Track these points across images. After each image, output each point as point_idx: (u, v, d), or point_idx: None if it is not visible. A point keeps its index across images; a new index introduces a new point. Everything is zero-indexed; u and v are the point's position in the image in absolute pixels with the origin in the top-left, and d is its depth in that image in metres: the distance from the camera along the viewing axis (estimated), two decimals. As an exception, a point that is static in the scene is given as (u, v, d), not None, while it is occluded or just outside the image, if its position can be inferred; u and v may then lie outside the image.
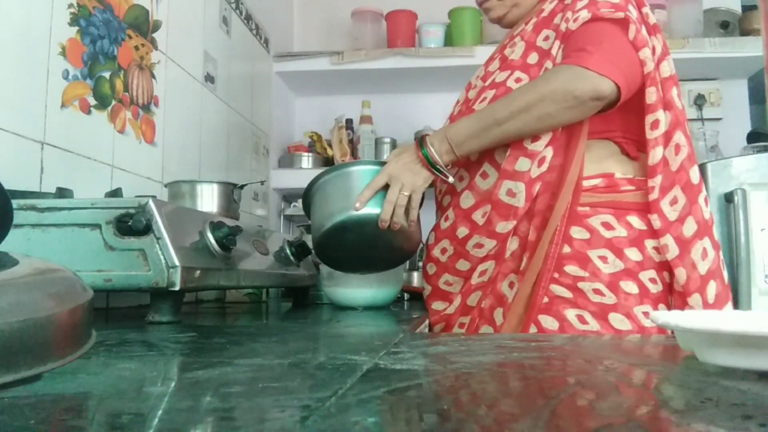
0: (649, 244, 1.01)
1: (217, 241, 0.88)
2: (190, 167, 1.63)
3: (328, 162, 2.36)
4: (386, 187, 1.03)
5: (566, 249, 1.00)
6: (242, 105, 2.04)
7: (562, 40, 1.04)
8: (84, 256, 0.77)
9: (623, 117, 1.04)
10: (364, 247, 1.08)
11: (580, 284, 0.99)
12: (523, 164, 1.02)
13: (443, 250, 1.13)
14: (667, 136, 1.02)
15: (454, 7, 2.43)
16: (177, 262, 0.76)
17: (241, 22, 2.04)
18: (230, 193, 1.19)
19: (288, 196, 2.46)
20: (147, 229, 0.76)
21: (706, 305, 0.99)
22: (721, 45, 2.25)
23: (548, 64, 1.05)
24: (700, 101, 2.43)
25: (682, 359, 0.50)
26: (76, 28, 1.14)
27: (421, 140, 1.05)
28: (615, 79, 0.95)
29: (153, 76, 1.43)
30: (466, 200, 1.09)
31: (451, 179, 1.05)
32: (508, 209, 1.03)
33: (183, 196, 1.16)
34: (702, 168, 1.83)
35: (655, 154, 1.01)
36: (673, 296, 1.01)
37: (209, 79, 1.76)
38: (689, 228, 1.00)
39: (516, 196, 1.02)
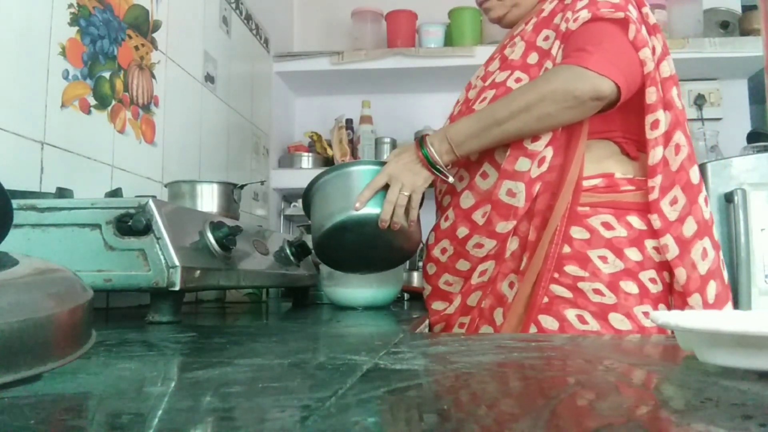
0: (649, 244, 1.01)
1: (217, 241, 0.88)
2: (190, 167, 1.63)
3: (328, 162, 2.36)
4: (386, 187, 1.03)
5: (566, 249, 1.00)
6: (242, 105, 2.04)
7: (562, 40, 1.04)
8: (84, 256, 0.77)
9: (623, 117, 1.04)
10: (364, 247, 1.08)
11: (580, 284, 0.99)
12: (523, 164, 1.02)
13: (443, 250, 1.13)
14: (667, 136, 1.02)
15: (454, 7, 2.43)
16: (177, 262, 0.76)
17: (241, 22, 2.04)
18: (230, 193, 1.19)
19: (288, 196, 2.46)
20: (147, 229, 0.76)
21: (706, 305, 0.99)
22: (721, 45, 2.25)
23: (548, 64, 1.05)
24: (700, 101, 2.43)
25: (682, 359, 0.50)
26: (76, 28, 1.14)
27: (421, 140, 1.05)
28: (615, 79, 0.95)
29: (153, 76, 1.43)
30: (466, 200, 1.09)
31: (451, 179, 1.05)
32: (508, 209, 1.03)
33: (183, 196, 1.16)
34: (702, 168, 1.83)
35: (655, 154, 1.01)
36: (673, 296, 1.01)
37: (209, 79, 1.76)
38: (689, 228, 1.00)
39: (516, 196, 1.02)
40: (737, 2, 2.48)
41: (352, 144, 2.43)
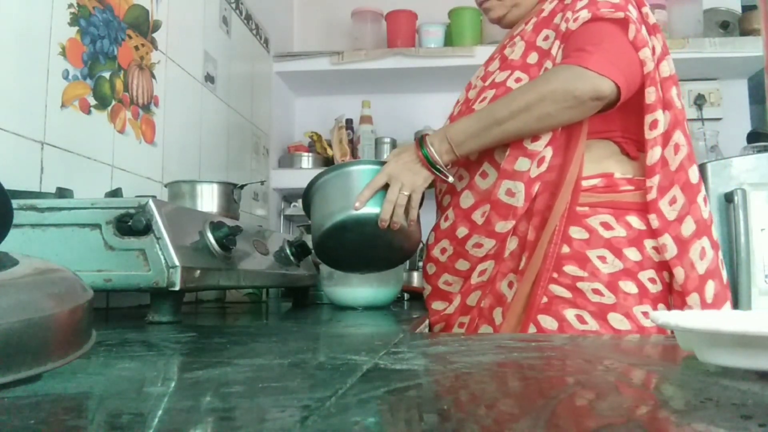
0: (649, 244, 1.01)
1: (217, 241, 0.88)
2: (190, 167, 1.63)
3: (328, 162, 2.36)
4: (386, 187, 1.03)
5: (565, 249, 1.00)
6: (242, 105, 2.04)
7: (562, 40, 1.04)
8: (84, 256, 0.77)
9: (623, 117, 1.04)
10: (364, 246, 1.08)
11: (579, 284, 0.99)
12: (522, 164, 1.02)
13: (443, 250, 1.13)
14: (666, 136, 1.02)
15: (454, 7, 2.43)
16: (177, 262, 0.76)
17: (241, 22, 2.04)
18: (230, 193, 1.19)
19: (288, 196, 2.46)
20: (147, 229, 0.76)
21: (704, 305, 0.99)
22: (721, 45, 2.25)
23: (548, 64, 1.05)
24: (700, 101, 2.43)
25: (682, 359, 0.50)
26: (76, 28, 1.14)
27: (420, 140, 1.05)
28: (615, 79, 0.95)
29: (153, 76, 1.43)
30: (466, 200, 1.09)
31: (450, 179, 1.05)
32: (507, 209, 1.03)
33: (183, 196, 1.16)
34: (702, 168, 1.83)
35: (654, 154, 1.01)
36: (673, 296, 1.01)
37: (209, 79, 1.76)
38: (688, 227, 1.00)
39: (515, 196, 1.02)
40: (737, 2, 2.48)
41: (352, 144, 2.43)
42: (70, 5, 1.12)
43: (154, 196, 0.81)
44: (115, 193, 0.99)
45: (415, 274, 1.74)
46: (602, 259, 0.99)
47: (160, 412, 0.33)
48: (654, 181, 1.00)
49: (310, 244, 1.16)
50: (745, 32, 2.34)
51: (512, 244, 1.05)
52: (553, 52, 1.05)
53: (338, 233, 1.04)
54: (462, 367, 0.46)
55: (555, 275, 1.00)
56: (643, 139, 1.02)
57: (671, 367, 0.48)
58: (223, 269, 0.89)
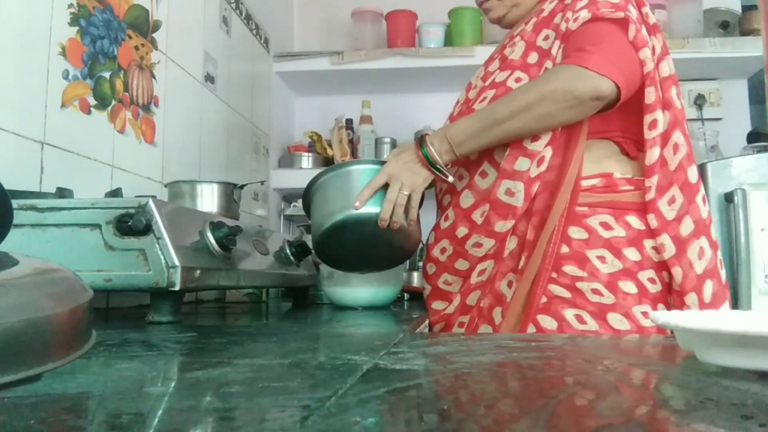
0: (648, 244, 1.01)
1: (217, 241, 0.88)
2: (190, 167, 1.63)
3: (328, 162, 2.36)
4: (386, 187, 1.03)
5: (564, 249, 1.00)
6: (242, 105, 2.04)
7: (562, 40, 1.04)
8: (84, 256, 0.77)
9: (623, 117, 1.04)
10: (364, 246, 1.08)
11: (579, 284, 0.99)
12: (522, 164, 1.02)
13: (443, 250, 1.13)
14: (666, 136, 1.02)
15: (454, 7, 2.43)
16: (177, 262, 0.76)
17: (241, 22, 2.04)
18: (230, 193, 1.19)
19: (288, 196, 2.46)
20: (147, 229, 0.76)
21: (702, 304, 0.99)
22: (721, 45, 2.25)
23: (548, 63, 1.05)
24: (700, 101, 2.43)
25: (682, 359, 0.50)
26: (76, 28, 1.14)
27: (420, 140, 1.05)
28: (615, 79, 0.95)
29: (153, 76, 1.43)
30: (466, 199, 1.09)
31: (450, 179, 1.05)
32: (507, 209, 1.03)
33: (183, 196, 1.16)
34: (702, 168, 1.83)
35: (653, 154, 1.01)
36: (672, 296, 1.01)
37: (209, 79, 1.76)
38: (686, 227, 1.00)
39: (514, 196, 1.02)
40: (737, 2, 2.48)
41: (352, 144, 2.43)
42: (70, 5, 1.12)
43: (154, 196, 0.81)
44: (115, 193, 0.99)
45: (415, 274, 1.74)
46: (601, 259, 0.99)
47: (160, 412, 0.33)
48: (653, 181, 1.00)
49: (310, 244, 1.16)
50: (745, 32, 2.34)
51: (512, 243, 1.05)
52: (553, 52, 1.05)
53: (338, 233, 1.04)
54: (462, 367, 0.46)
55: (554, 275, 1.00)
56: (643, 139, 1.02)
57: (671, 367, 0.48)
58: (223, 269, 0.89)
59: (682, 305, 0.99)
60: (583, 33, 1.00)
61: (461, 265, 1.11)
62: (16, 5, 1.00)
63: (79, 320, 0.40)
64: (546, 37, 1.08)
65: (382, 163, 1.06)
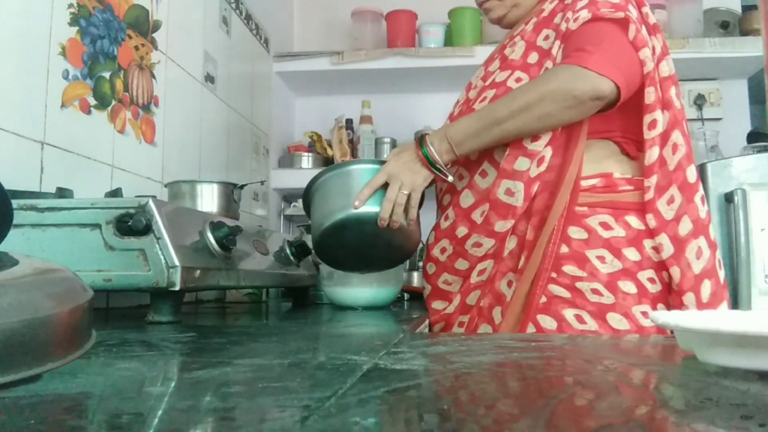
0: (648, 244, 1.01)
1: (217, 241, 0.88)
2: (190, 167, 1.63)
3: (328, 162, 2.36)
4: (386, 186, 1.03)
5: (564, 249, 1.00)
6: (242, 105, 2.04)
7: (562, 40, 1.04)
8: (84, 256, 0.77)
9: (623, 117, 1.04)
10: (364, 245, 1.08)
11: (578, 284, 0.99)
12: (522, 164, 1.02)
13: (443, 250, 1.13)
14: (665, 136, 1.02)
15: (454, 7, 2.43)
16: (177, 262, 0.76)
17: (241, 22, 2.04)
18: (230, 193, 1.19)
19: (288, 196, 2.46)
20: (147, 229, 0.76)
21: (699, 304, 0.99)
22: (721, 45, 2.25)
23: (548, 63, 1.05)
24: (700, 101, 2.43)
25: (682, 359, 0.50)
26: (76, 28, 1.14)
27: (420, 139, 1.05)
28: (615, 79, 0.95)
29: (153, 76, 1.43)
30: (466, 199, 1.09)
31: (450, 178, 1.05)
32: (507, 208, 1.03)
33: (183, 196, 1.16)
34: (702, 168, 1.83)
35: (652, 154, 1.01)
36: (672, 296, 1.01)
37: (209, 79, 1.76)
38: (685, 227, 1.00)
39: (514, 196, 1.02)
40: (737, 2, 2.48)
41: (352, 144, 2.43)
42: (70, 5, 1.12)
43: (154, 196, 0.81)
44: (115, 193, 0.99)
45: (415, 274, 1.74)
46: (601, 259, 0.99)
47: (160, 412, 0.33)
48: (652, 181, 1.00)
49: (310, 244, 1.16)
50: (745, 32, 2.34)
51: (511, 243, 1.05)
52: (554, 52, 1.05)
53: (338, 232, 1.04)
54: (462, 367, 0.46)
55: (554, 275, 1.00)
56: (643, 139, 1.02)
57: (671, 367, 0.48)
58: (223, 269, 0.89)
59: (682, 305, 0.99)
60: (583, 33, 1.00)
61: (461, 264, 1.11)
62: (16, 5, 1.00)
63: (79, 320, 0.40)
64: (546, 37, 1.08)
65: (382, 162, 1.06)
